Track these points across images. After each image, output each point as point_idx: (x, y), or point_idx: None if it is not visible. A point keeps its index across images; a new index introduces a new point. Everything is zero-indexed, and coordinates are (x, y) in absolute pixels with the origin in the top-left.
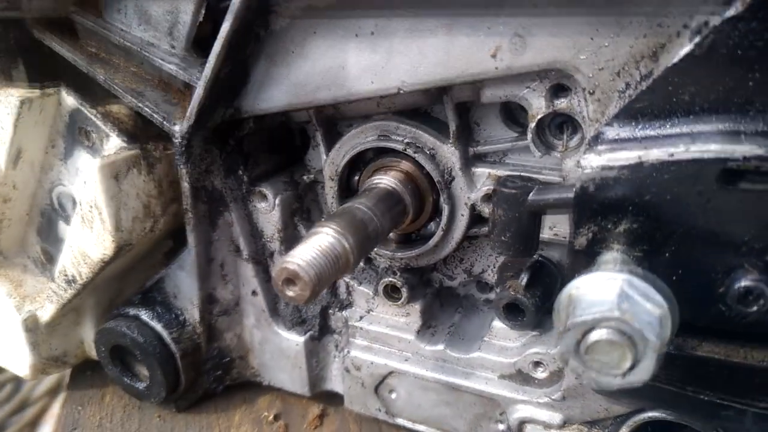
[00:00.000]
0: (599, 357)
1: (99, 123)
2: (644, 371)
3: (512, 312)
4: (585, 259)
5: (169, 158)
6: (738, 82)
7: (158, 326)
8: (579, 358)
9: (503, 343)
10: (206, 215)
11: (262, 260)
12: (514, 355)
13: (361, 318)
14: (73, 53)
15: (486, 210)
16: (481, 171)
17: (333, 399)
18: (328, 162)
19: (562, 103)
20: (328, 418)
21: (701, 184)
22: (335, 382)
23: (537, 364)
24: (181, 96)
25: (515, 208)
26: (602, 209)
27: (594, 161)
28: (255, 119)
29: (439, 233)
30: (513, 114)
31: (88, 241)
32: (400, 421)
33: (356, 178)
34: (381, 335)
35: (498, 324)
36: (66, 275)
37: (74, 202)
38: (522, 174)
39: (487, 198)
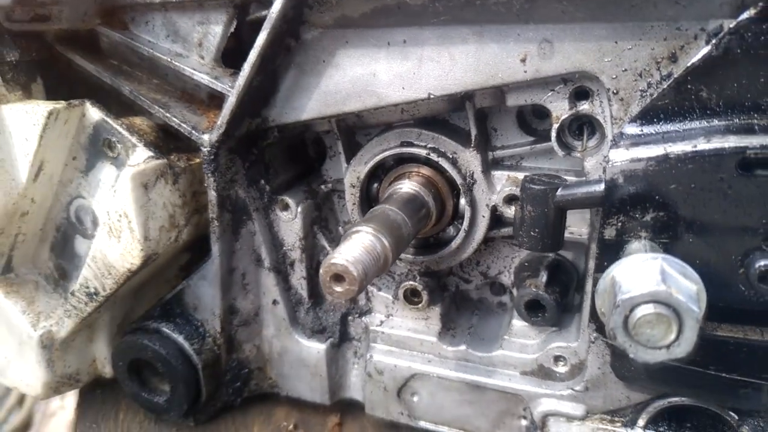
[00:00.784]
0: (646, 330)
1: (125, 134)
2: (687, 342)
3: (533, 309)
4: (614, 249)
5: (192, 169)
6: (752, 80)
7: (180, 338)
8: (627, 333)
9: (523, 340)
10: (230, 225)
11: (282, 269)
12: (535, 351)
13: (381, 323)
14: (96, 66)
15: (507, 211)
16: (500, 174)
17: (350, 407)
18: (350, 170)
19: (584, 105)
20: (346, 427)
21: (722, 173)
22: (354, 390)
23: (558, 358)
24: (205, 108)
25: (544, 205)
26: (630, 200)
27: (622, 155)
28: (279, 129)
29: (461, 235)
30: (526, 121)
31: (115, 251)
32: (423, 424)
33: (375, 186)
34: (403, 339)
35: (517, 322)
36: (87, 289)
37: (93, 216)
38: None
39: (509, 200)
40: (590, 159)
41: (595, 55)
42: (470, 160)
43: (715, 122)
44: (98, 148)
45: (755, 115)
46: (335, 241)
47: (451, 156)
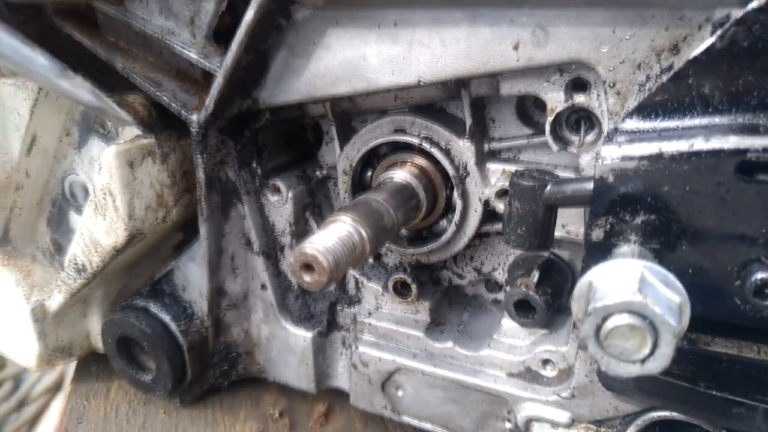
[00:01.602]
0: (619, 342)
1: (116, 109)
2: (663, 358)
3: (523, 309)
4: (601, 252)
5: (182, 149)
6: (758, 76)
7: (166, 318)
8: (598, 343)
9: (512, 341)
10: (219, 206)
11: (272, 254)
12: (524, 353)
13: (369, 314)
14: (92, 42)
15: (500, 206)
16: (495, 167)
17: (338, 397)
18: (342, 156)
19: (580, 98)
20: (333, 416)
21: (720, 176)
22: (341, 380)
23: (546, 362)
24: (198, 87)
25: (532, 201)
26: (620, 201)
27: (614, 152)
28: (271, 111)
29: (452, 228)
30: (527, 112)
31: (101, 228)
32: (406, 419)
33: (369, 173)
34: (390, 332)
35: (507, 322)
36: (76, 264)
37: (86, 192)
38: (540, 168)
39: (501, 194)
40: (585, 155)
41: (591, 44)
42: (464, 150)
43: (717, 120)
44: (90, 124)
45: (761, 115)
46: None
47: (444, 146)
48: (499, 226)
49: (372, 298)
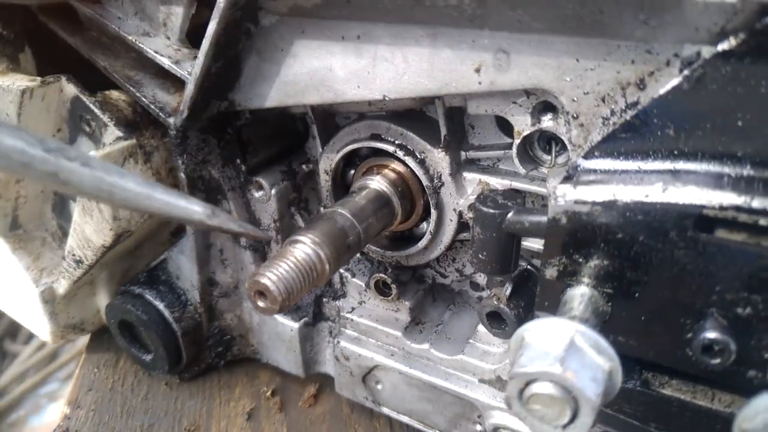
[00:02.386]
0: (540, 407)
1: (97, 112)
2: (582, 427)
3: (495, 320)
4: (554, 290)
5: (167, 146)
6: (726, 122)
7: (161, 305)
8: (521, 405)
9: (487, 347)
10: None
11: (259, 248)
12: (496, 361)
13: (352, 309)
14: (74, 39)
15: (471, 218)
16: (472, 177)
17: (329, 380)
18: (323, 156)
19: (548, 122)
20: (322, 398)
21: (675, 229)
22: (329, 366)
23: None
24: (180, 86)
25: (493, 228)
26: (573, 243)
27: (568, 194)
28: (250, 111)
29: (428, 237)
30: (507, 122)
31: (90, 227)
32: (386, 411)
33: (352, 172)
34: (370, 329)
35: (483, 328)
36: (74, 256)
37: None
38: (512, 183)
39: (472, 208)
40: (553, 180)
41: (554, 73)
42: (439, 160)
43: (681, 166)
44: (77, 123)
45: (728, 164)
46: None
47: (419, 155)
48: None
49: (356, 293)
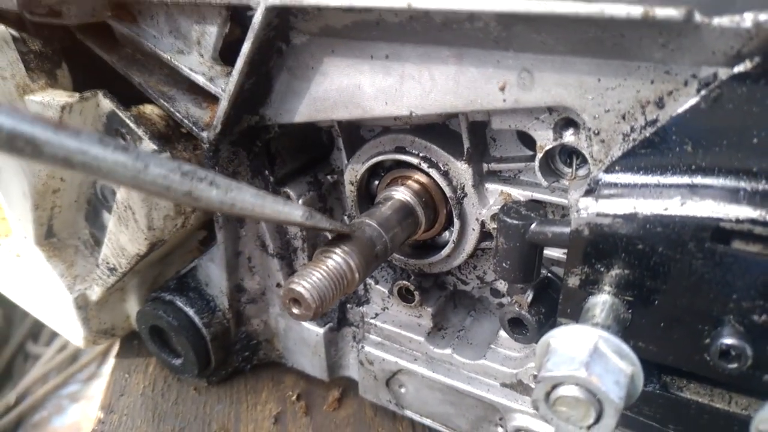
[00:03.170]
0: (565, 409)
1: (132, 126)
2: (606, 428)
3: (516, 326)
4: (576, 298)
5: (198, 158)
6: (742, 139)
7: (191, 312)
8: (548, 407)
9: (508, 352)
10: None
11: (286, 255)
12: (517, 365)
13: (376, 315)
14: (111, 56)
15: (494, 227)
16: (494, 188)
17: (352, 383)
18: (349, 168)
19: (569, 137)
20: (346, 402)
21: (693, 241)
22: (352, 370)
23: (536, 376)
24: (211, 100)
25: (517, 239)
26: (595, 253)
27: (590, 206)
28: (279, 125)
29: (450, 245)
30: (528, 135)
31: (125, 237)
32: (408, 413)
33: (376, 183)
34: (393, 334)
35: (504, 333)
36: (108, 264)
37: (115, 194)
38: (533, 194)
39: (495, 218)
40: (575, 192)
41: (576, 91)
42: (462, 172)
43: (699, 180)
44: (112, 136)
45: (744, 179)
46: None
47: (442, 167)
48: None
49: (379, 299)
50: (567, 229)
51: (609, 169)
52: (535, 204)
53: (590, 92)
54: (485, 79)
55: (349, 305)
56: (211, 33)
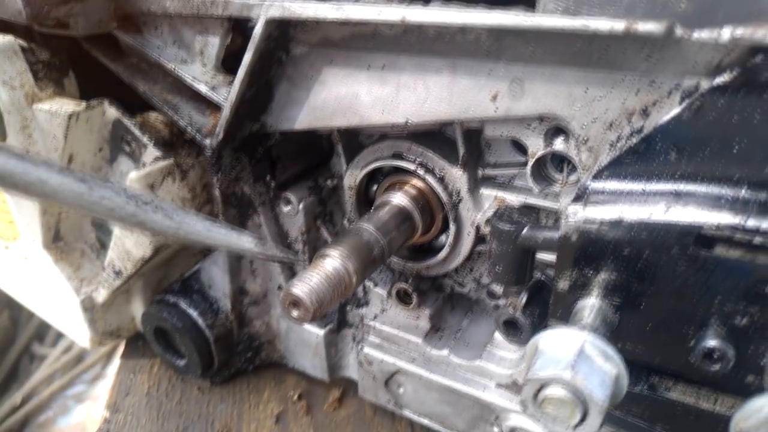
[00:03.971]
0: (552, 410)
1: (137, 133)
2: (591, 428)
3: (511, 328)
4: (566, 301)
5: (201, 164)
6: (723, 147)
7: (194, 314)
8: (536, 407)
9: (503, 353)
10: (236, 218)
11: None
12: (512, 366)
13: (375, 317)
14: (116, 65)
15: (488, 231)
16: (489, 193)
17: (352, 384)
18: (348, 173)
19: (559, 145)
20: (346, 401)
21: (677, 246)
22: (352, 370)
23: None
24: (214, 108)
25: (509, 244)
26: (583, 258)
27: (578, 213)
28: (280, 132)
29: (447, 249)
30: (521, 140)
31: (130, 241)
32: (407, 413)
33: (375, 187)
34: (391, 335)
35: (499, 334)
36: (114, 267)
37: None
38: (526, 199)
39: (488, 222)
40: (565, 198)
41: (565, 101)
42: (457, 177)
43: (682, 187)
44: (118, 143)
45: (725, 187)
46: (338, 234)
47: (438, 173)
48: None
49: (378, 301)
50: (556, 235)
51: (597, 176)
52: (526, 209)
53: (578, 102)
54: (477, 88)
55: (348, 307)
56: (214, 43)
